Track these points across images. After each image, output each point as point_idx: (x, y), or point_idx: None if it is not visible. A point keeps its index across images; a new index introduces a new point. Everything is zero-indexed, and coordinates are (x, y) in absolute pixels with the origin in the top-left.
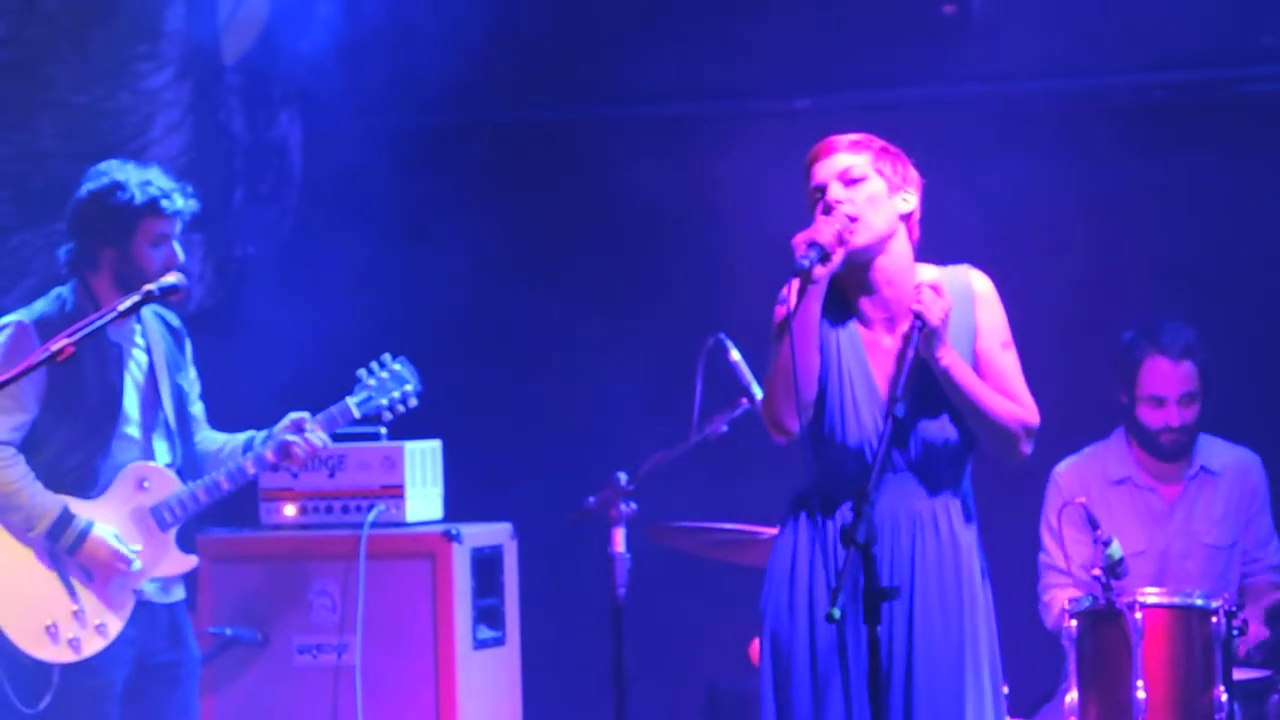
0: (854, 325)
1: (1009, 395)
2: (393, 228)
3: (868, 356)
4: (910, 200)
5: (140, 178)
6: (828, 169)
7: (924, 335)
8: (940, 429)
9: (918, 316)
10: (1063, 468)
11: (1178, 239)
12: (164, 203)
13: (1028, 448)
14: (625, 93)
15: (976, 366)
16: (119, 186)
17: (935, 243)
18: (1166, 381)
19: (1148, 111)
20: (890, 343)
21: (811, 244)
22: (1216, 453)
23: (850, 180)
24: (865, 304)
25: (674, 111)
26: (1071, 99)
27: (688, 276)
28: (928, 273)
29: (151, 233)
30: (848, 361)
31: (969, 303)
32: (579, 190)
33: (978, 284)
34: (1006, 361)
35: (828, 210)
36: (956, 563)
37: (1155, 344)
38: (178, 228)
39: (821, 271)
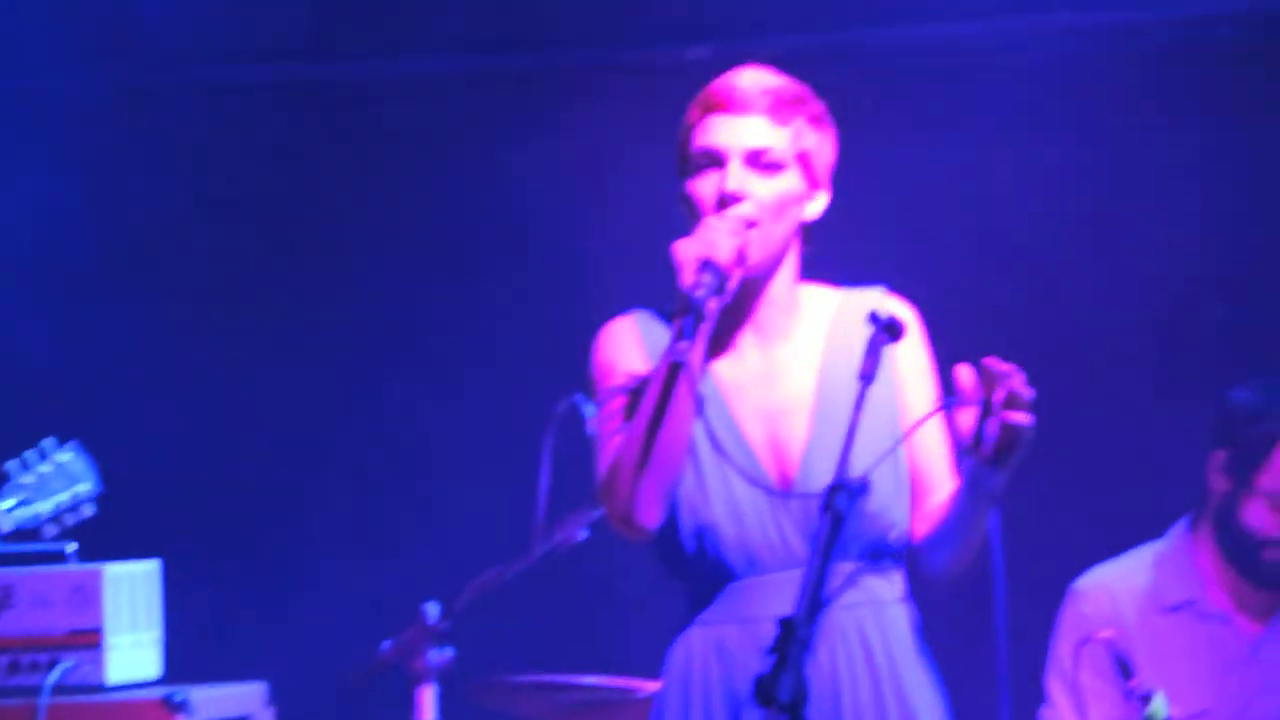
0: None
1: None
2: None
3: (733, 410)
4: (821, 202)
5: None
6: (733, 133)
7: (986, 461)
8: (882, 515)
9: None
10: (1089, 582)
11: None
12: None
13: None
14: (456, 41)
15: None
16: None
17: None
18: None
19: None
20: (760, 394)
21: (706, 264)
22: None
23: (763, 165)
24: (728, 336)
25: (516, 64)
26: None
27: (534, 290)
28: (815, 295)
29: None
30: (708, 419)
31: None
32: (380, 164)
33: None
34: (938, 439)
35: (723, 204)
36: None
37: None
38: None
39: (715, 306)
